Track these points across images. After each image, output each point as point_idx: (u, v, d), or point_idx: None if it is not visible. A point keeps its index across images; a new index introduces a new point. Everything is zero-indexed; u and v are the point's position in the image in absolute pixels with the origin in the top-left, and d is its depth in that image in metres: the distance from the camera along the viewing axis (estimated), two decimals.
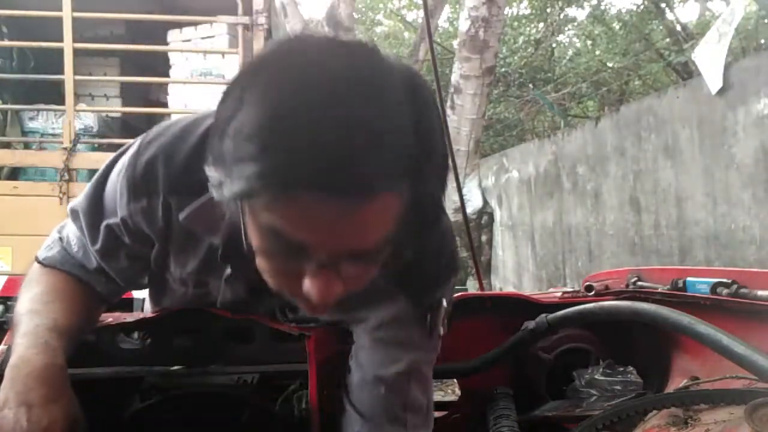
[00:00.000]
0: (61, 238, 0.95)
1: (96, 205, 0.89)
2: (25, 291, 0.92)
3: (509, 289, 8.02)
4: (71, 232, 0.94)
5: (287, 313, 1.05)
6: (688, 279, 1.35)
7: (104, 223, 0.88)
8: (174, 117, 3.84)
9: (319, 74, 0.55)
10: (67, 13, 3.41)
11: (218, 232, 0.81)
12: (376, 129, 0.54)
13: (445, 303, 0.93)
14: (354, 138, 0.53)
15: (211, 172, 0.62)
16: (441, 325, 0.94)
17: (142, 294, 1.15)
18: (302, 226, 0.58)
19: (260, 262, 0.66)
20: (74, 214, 0.93)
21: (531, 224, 7.61)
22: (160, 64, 3.99)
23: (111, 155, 0.91)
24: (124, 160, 0.86)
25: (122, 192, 0.84)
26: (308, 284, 0.63)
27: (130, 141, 0.89)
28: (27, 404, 0.76)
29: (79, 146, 3.48)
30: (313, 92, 0.54)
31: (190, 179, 0.77)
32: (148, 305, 1.14)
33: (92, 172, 3.56)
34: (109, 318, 1.12)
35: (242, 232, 0.66)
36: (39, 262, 0.96)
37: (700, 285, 1.29)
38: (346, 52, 0.58)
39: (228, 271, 0.89)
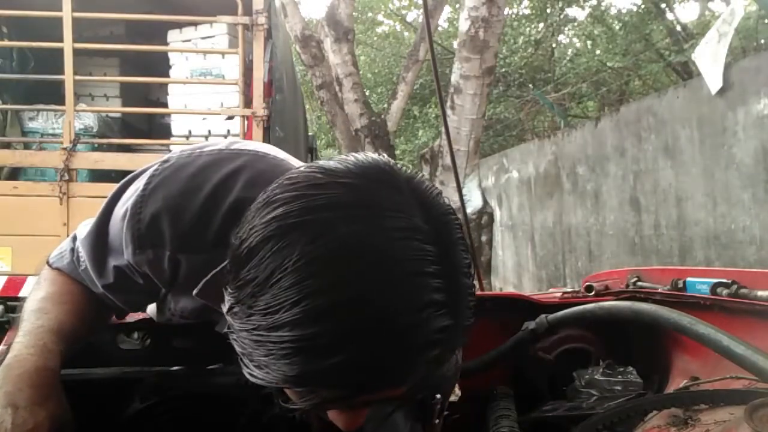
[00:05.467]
0: (73, 249, 0.93)
1: (101, 242, 0.88)
2: (37, 288, 0.92)
3: (509, 289, 8.02)
4: (83, 250, 0.92)
5: None
6: (688, 279, 1.35)
7: (112, 264, 0.87)
8: (174, 117, 3.87)
9: (349, 264, 0.53)
10: (67, 13, 3.40)
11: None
12: (405, 325, 0.53)
13: (438, 396, 0.90)
14: (384, 342, 0.52)
15: (230, 307, 0.60)
16: (436, 418, 0.92)
17: None
18: (327, 413, 0.62)
19: None
20: (82, 242, 0.91)
21: (531, 224, 7.61)
22: (160, 64, 3.98)
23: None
24: (128, 201, 0.83)
25: (127, 242, 0.83)
26: (334, 416, 0.64)
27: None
28: (14, 405, 0.75)
29: (79, 146, 3.46)
30: (343, 285, 0.52)
31: (200, 238, 0.79)
32: (149, 307, 1.14)
33: (92, 172, 3.58)
34: None
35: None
36: (50, 267, 0.95)
37: (700, 285, 1.29)
38: (364, 222, 0.55)
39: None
